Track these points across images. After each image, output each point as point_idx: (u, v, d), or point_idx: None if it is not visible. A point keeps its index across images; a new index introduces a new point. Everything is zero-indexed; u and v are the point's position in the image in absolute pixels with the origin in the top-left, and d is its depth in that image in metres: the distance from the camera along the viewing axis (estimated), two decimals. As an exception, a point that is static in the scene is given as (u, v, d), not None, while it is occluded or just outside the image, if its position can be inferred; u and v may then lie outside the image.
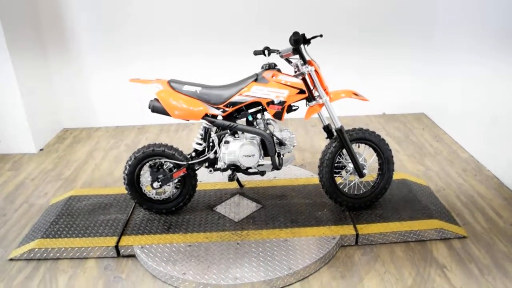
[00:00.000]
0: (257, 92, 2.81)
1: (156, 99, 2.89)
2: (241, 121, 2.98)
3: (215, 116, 2.90)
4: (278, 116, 2.85)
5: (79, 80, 4.94)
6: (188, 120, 2.99)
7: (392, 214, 3.08)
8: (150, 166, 2.96)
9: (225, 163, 2.97)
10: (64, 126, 5.16)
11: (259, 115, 2.97)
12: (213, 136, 2.93)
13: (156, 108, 2.89)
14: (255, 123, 2.97)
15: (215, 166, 3.03)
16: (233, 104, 2.86)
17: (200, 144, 3.01)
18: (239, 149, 2.91)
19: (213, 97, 2.86)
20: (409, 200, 3.24)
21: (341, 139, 2.96)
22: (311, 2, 4.70)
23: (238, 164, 2.97)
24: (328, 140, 3.08)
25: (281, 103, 2.82)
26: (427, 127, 4.86)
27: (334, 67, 4.88)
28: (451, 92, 4.55)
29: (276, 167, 2.97)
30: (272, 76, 2.82)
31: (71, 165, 4.19)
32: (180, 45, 4.84)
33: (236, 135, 2.96)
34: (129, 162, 2.97)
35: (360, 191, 3.22)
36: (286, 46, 3.06)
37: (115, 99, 5.04)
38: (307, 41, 2.80)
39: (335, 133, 3.01)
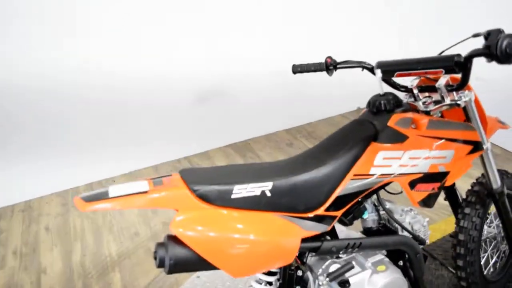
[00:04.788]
0: (391, 164, 1.38)
1: (171, 238, 1.22)
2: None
3: (310, 238, 1.41)
4: (429, 202, 1.56)
5: None
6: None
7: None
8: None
9: None
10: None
11: (370, 200, 1.66)
12: (324, 283, 1.45)
13: (177, 263, 1.20)
14: (368, 211, 1.63)
15: None
16: (344, 200, 1.38)
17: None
18: None
19: (300, 196, 1.30)
20: None
21: (498, 205, 1.87)
22: None
23: None
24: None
25: (440, 177, 1.52)
26: None
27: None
28: None
29: None
30: (412, 123, 1.45)
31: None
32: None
33: (345, 255, 1.52)
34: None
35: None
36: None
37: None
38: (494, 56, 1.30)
39: (469, 197, 1.87)
